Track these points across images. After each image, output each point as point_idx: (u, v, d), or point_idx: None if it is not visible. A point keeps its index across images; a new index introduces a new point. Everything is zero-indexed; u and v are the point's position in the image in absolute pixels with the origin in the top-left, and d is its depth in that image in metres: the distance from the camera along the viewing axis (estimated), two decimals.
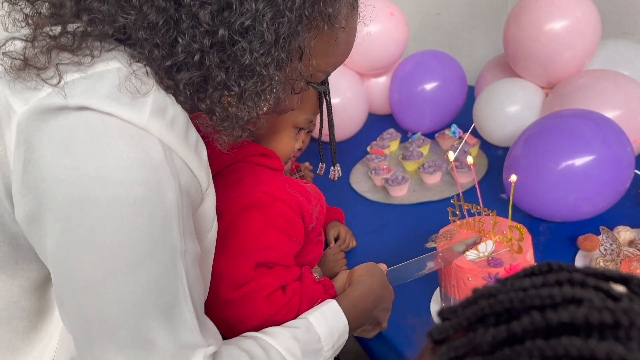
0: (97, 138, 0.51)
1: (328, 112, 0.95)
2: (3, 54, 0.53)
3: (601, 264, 0.97)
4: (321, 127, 0.98)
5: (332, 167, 1.03)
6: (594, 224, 1.07)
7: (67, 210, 0.51)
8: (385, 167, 1.46)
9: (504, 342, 0.30)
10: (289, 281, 0.83)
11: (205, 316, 0.66)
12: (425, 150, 1.53)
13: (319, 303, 0.82)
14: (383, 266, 0.91)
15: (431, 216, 1.29)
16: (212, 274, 0.79)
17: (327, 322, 0.76)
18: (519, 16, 1.32)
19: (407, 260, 0.93)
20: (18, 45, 0.54)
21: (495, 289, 0.35)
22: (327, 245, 1.22)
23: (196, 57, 0.55)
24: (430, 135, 1.62)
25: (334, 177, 1.04)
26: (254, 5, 0.54)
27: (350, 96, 1.65)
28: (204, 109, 0.59)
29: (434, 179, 1.40)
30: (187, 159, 0.57)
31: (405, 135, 1.67)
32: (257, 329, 0.75)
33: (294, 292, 0.82)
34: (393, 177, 1.40)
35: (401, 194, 1.38)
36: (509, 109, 1.35)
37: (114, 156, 0.51)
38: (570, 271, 0.34)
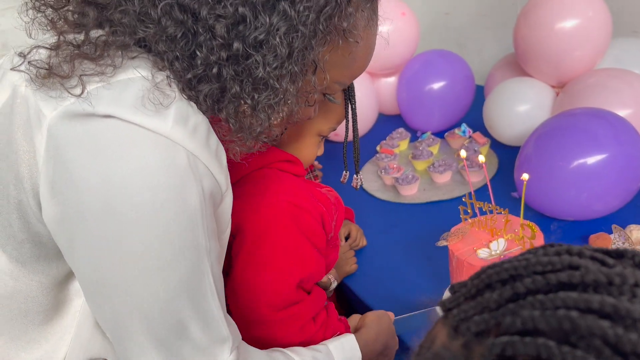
0: (123, 145, 0.52)
1: (353, 122, 0.96)
2: (29, 62, 0.55)
3: None
4: (346, 135, 0.99)
5: (354, 175, 1.04)
6: (606, 223, 1.07)
7: (96, 214, 0.53)
8: (395, 166, 1.46)
9: (508, 299, 0.33)
10: (320, 308, 0.85)
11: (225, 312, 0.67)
12: (435, 149, 1.53)
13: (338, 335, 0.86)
14: (391, 314, 0.94)
15: (441, 215, 1.29)
16: (248, 290, 0.81)
17: (345, 353, 0.80)
18: (529, 15, 1.32)
19: (413, 312, 0.95)
20: (43, 53, 0.56)
21: (500, 262, 0.37)
22: None
23: (214, 70, 0.56)
24: (440, 134, 1.62)
25: (356, 186, 1.05)
26: (268, 20, 0.55)
27: (360, 96, 1.64)
28: (222, 119, 0.61)
29: (444, 178, 1.40)
30: (208, 164, 0.58)
31: (414, 135, 1.67)
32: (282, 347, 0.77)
33: (322, 323, 0.84)
34: (403, 176, 1.40)
35: (411, 193, 1.38)
36: (519, 108, 1.35)
37: (139, 162, 0.52)
38: (569, 245, 0.37)
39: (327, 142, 1.69)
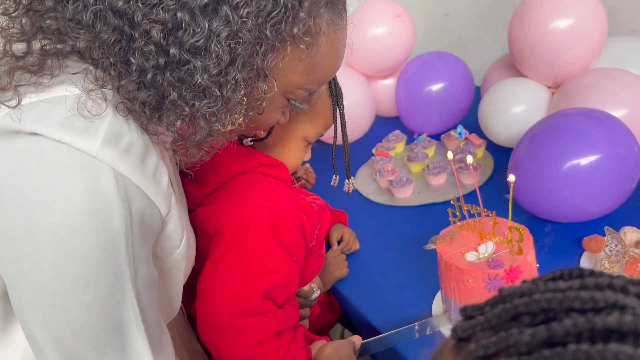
0: (47, 165, 0.51)
1: (342, 126, 0.94)
2: None
3: (606, 265, 0.95)
4: (335, 140, 0.97)
5: (346, 180, 1.03)
6: (600, 225, 1.05)
7: (15, 232, 0.52)
8: (389, 168, 1.45)
9: (543, 343, 0.29)
10: (288, 327, 0.82)
11: (165, 339, 0.66)
12: (430, 151, 1.52)
13: None
14: (357, 338, 0.90)
15: (435, 218, 1.27)
16: (213, 291, 0.79)
17: None
18: (524, 15, 1.30)
19: (385, 334, 0.92)
20: None
21: (528, 289, 0.34)
22: (329, 247, 1.21)
23: (149, 76, 0.54)
24: (437, 136, 1.60)
25: (348, 190, 1.03)
26: (207, 25, 0.53)
27: (356, 98, 1.64)
28: (164, 128, 0.59)
29: (438, 180, 1.38)
30: (142, 185, 0.56)
31: (411, 137, 1.65)
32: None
33: (285, 343, 0.81)
34: (397, 179, 1.39)
35: (405, 195, 1.37)
36: (515, 109, 1.33)
37: (62, 184, 0.51)
38: (607, 277, 0.33)
39: (322, 144, 1.68)
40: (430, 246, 0.95)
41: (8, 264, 0.54)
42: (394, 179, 1.39)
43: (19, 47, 0.55)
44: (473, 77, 1.62)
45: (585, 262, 1.01)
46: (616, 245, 0.96)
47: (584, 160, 1.04)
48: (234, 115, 0.59)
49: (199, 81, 0.54)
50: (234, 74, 0.55)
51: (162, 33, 0.52)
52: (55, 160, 0.52)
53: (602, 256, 0.97)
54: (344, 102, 1.57)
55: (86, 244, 0.53)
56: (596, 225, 1.07)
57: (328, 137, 1.56)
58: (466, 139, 1.50)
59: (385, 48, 1.61)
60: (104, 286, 0.55)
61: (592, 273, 0.35)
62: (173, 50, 0.53)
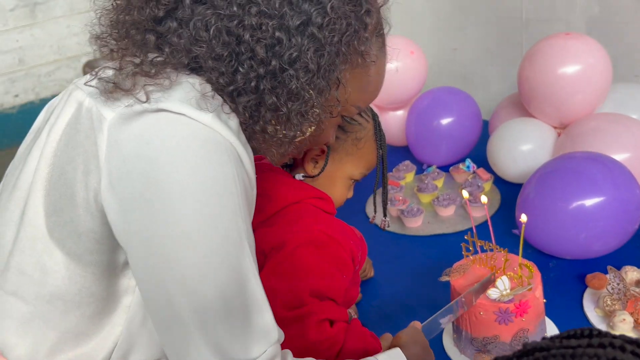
0: (170, 132, 0.62)
1: (383, 167, 1.05)
2: (99, 79, 0.66)
3: (608, 302, 1.01)
4: (377, 180, 1.08)
5: (382, 218, 1.13)
6: (602, 263, 1.11)
7: (148, 195, 0.61)
8: (400, 198, 1.51)
9: None
10: (337, 319, 0.89)
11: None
12: (439, 183, 1.58)
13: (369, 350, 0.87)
14: (417, 324, 0.93)
15: (445, 248, 1.33)
16: (268, 295, 0.85)
17: None
18: (534, 59, 1.38)
19: (435, 314, 0.95)
20: (109, 72, 0.67)
21: (546, 345, 0.43)
22: None
23: (253, 83, 0.66)
24: (445, 168, 1.67)
25: (383, 227, 1.14)
26: (300, 40, 0.66)
27: None
28: (258, 130, 0.70)
29: (448, 211, 1.44)
30: (242, 156, 0.66)
31: (420, 167, 1.72)
32: (301, 352, 0.79)
33: (340, 330, 0.87)
34: (408, 209, 1.45)
35: (416, 225, 1.43)
36: (522, 147, 1.41)
37: (184, 147, 0.61)
38: (610, 337, 0.43)
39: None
40: (444, 278, 1.01)
41: (140, 230, 0.62)
42: (405, 209, 1.45)
43: (135, 59, 0.66)
44: (481, 113, 1.69)
45: (588, 299, 1.07)
46: (618, 284, 1.02)
47: (589, 202, 1.11)
48: (315, 116, 0.71)
49: (293, 86, 0.67)
50: (318, 81, 0.68)
51: (264, 48, 0.65)
52: (177, 128, 0.62)
53: (605, 294, 1.03)
54: None
55: (211, 196, 0.62)
56: (599, 263, 1.13)
57: None
58: (474, 172, 1.56)
59: (398, 82, 1.68)
60: (224, 233, 0.63)
61: (599, 333, 0.44)
62: (274, 62, 0.66)
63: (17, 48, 2.94)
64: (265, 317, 0.66)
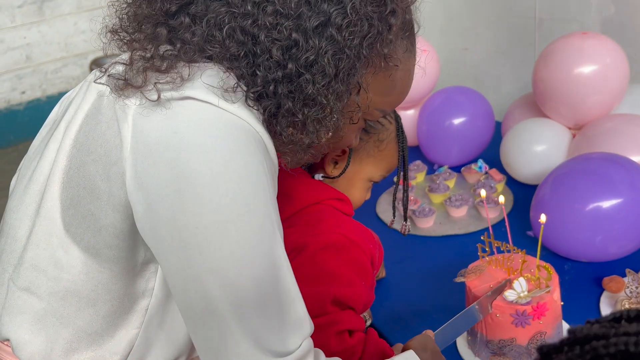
0: (198, 120, 0.59)
1: (404, 172, 1.03)
2: (109, 76, 0.63)
3: (627, 306, 0.99)
4: (397, 184, 1.05)
5: (403, 222, 1.11)
6: (619, 266, 1.09)
7: (177, 185, 0.59)
8: (412, 198, 1.49)
9: None
10: (356, 329, 0.88)
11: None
12: (451, 183, 1.56)
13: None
14: (430, 332, 0.92)
15: (456, 250, 1.31)
16: None
17: None
18: (549, 59, 1.36)
19: (448, 321, 0.94)
20: (119, 68, 0.64)
21: (602, 332, 0.39)
22: None
23: (271, 87, 0.63)
24: (457, 168, 1.65)
25: (404, 232, 1.11)
26: (317, 43, 0.62)
27: None
28: (273, 134, 0.67)
29: (460, 212, 1.43)
30: (268, 145, 0.64)
31: (431, 167, 1.70)
32: None
33: (359, 341, 0.86)
34: (420, 209, 1.43)
35: (427, 225, 1.41)
36: (536, 148, 1.39)
37: (214, 135, 0.59)
38: None
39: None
40: (459, 279, 0.99)
41: (170, 220, 0.60)
42: (417, 209, 1.43)
43: (145, 53, 0.64)
44: (494, 113, 1.67)
45: (605, 302, 1.06)
46: (637, 287, 1.00)
47: (606, 203, 1.09)
48: (333, 122, 0.68)
49: (310, 92, 0.64)
50: (337, 86, 0.65)
51: (280, 50, 0.62)
52: (204, 116, 0.60)
53: (622, 297, 1.01)
54: None
55: (241, 177, 0.60)
56: (615, 266, 1.11)
57: None
58: (486, 173, 1.54)
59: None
60: (258, 222, 0.61)
61: None
62: (290, 65, 0.62)
63: (24, 45, 2.94)
64: (298, 308, 0.65)
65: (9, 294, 0.68)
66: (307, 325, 0.66)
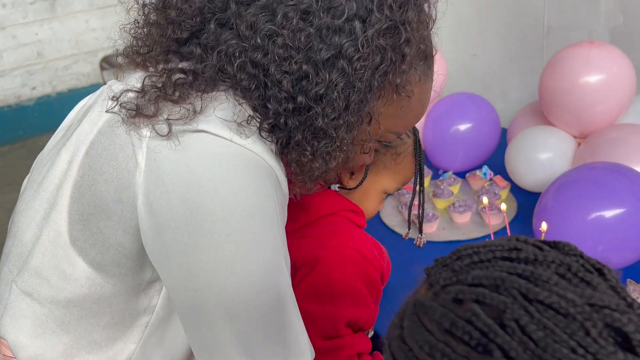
0: (210, 155, 0.60)
1: (420, 185, 1.04)
2: (120, 105, 0.63)
3: None
4: (413, 197, 1.07)
5: (418, 235, 1.12)
6: (621, 276, 1.09)
7: (187, 218, 0.59)
8: (415, 202, 1.50)
9: (467, 266, 0.46)
10: (364, 351, 0.89)
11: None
12: (455, 189, 1.57)
13: None
14: None
15: None
16: (305, 319, 0.85)
17: None
18: (556, 67, 1.37)
19: None
20: (131, 95, 0.63)
21: (470, 244, 0.49)
22: None
23: (282, 120, 0.62)
24: (461, 174, 1.65)
25: (419, 244, 1.12)
26: (327, 76, 0.61)
27: None
28: (285, 164, 0.67)
29: (463, 218, 1.43)
30: (281, 179, 0.65)
31: (436, 173, 1.71)
32: None
33: None
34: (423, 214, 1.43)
35: (431, 230, 1.42)
36: (541, 156, 1.39)
37: (225, 170, 0.59)
38: (525, 237, 0.48)
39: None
40: None
41: (178, 252, 0.60)
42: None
43: (159, 80, 0.64)
44: (500, 120, 1.67)
45: None
46: (637, 297, 1.00)
47: (609, 213, 1.10)
48: (344, 152, 0.67)
49: (319, 124, 0.63)
50: (347, 118, 0.64)
51: (291, 83, 0.61)
52: (218, 151, 0.60)
53: None
54: None
55: (253, 223, 0.60)
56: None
57: None
58: (491, 179, 1.55)
59: None
60: (265, 257, 0.61)
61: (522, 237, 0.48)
62: (300, 98, 0.62)
63: (36, 41, 2.97)
64: (300, 339, 0.66)
65: (12, 296, 0.69)
66: (308, 356, 0.67)
